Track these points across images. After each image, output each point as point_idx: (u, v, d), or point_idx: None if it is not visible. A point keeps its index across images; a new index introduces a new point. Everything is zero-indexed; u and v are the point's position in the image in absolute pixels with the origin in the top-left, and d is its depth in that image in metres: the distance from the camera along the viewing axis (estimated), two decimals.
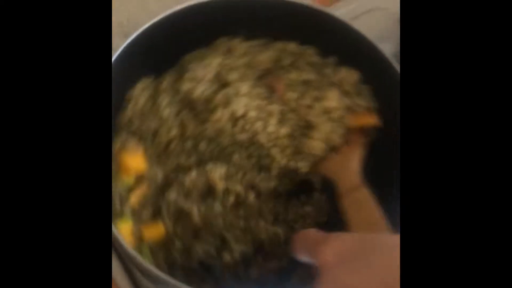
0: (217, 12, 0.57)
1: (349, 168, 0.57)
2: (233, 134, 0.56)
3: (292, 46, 0.60)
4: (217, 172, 0.54)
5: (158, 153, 0.56)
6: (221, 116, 0.55)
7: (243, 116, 0.56)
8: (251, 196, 0.56)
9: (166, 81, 0.58)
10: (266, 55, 0.60)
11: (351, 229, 0.51)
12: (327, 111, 0.58)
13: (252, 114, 0.56)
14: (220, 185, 0.54)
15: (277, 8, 0.57)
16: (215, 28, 0.59)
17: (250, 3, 0.56)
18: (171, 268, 0.54)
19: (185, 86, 0.56)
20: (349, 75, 0.59)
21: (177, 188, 0.54)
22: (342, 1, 0.71)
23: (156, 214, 0.54)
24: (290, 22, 0.59)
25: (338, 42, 0.58)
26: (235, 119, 0.56)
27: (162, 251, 0.54)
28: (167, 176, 0.55)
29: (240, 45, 0.60)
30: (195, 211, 0.53)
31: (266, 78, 0.59)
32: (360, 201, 0.53)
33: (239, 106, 0.55)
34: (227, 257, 0.55)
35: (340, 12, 0.66)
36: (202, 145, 0.56)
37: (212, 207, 0.55)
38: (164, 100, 0.56)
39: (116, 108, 0.56)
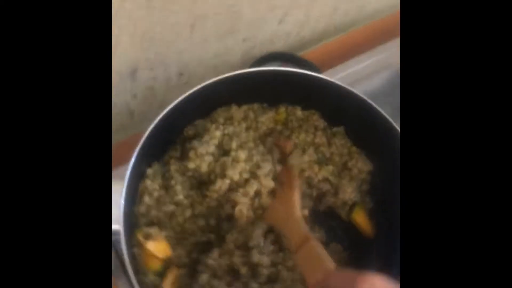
0: (217, 89, 0.60)
1: (293, 217, 0.57)
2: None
3: (298, 111, 0.65)
4: (237, 257, 0.56)
5: (176, 236, 0.57)
6: (221, 185, 0.57)
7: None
8: (283, 269, 0.57)
9: (173, 165, 0.60)
10: (267, 116, 0.64)
11: (307, 281, 0.52)
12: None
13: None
14: (243, 270, 0.56)
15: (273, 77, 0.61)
16: (212, 102, 0.63)
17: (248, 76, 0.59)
18: None
19: (191, 164, 0.59)
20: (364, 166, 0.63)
21: (205, 269, 0.55)
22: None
23: None
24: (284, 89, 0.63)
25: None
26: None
27: None
28: (191, 255, 0.57)
29: (238, 111, 0.64)
30: None
31: (271, 138, 0.64)
32: (311, 256, 0.53)
33: (235, 172, 0.58)
34: None
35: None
36: (212, 221, 0.58)
37: (247, 285, 0.56)
38: (177, 184, 0.58)
39: (131, 201, 0.56)
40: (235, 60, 0.79)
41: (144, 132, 0.56)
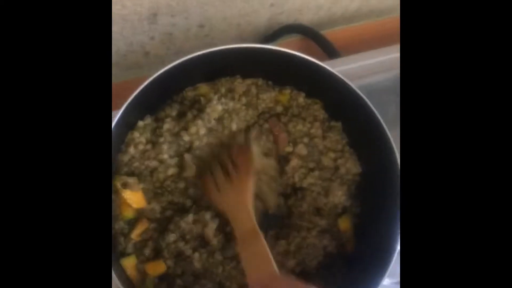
0: (227, 57, 0.58)
1: (243, 206, 0.55)
2: None
3: (301, 97, 0.63)
4: (210, 228, 0.57)
5: (154, 190, 0.58)
6: None
7: None
8: None
9: (167, 124, 0.59)
10: (269, 94, 0.63)
11: (248, 278, 0.50)
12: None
13: None
14: (214, 241, 0.57)
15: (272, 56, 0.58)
16: (218, 69, 0.62)
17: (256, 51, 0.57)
18: None
19: (186, 138, 0.59)
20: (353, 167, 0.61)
21: (175, 230, 0.57)
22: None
23: (158, 253, 0.57)
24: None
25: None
26: None
27: (165, 286, 0.56)
28: (164, 212, 0.58)
29: (241, 84, 0.63)
30: (196, 256, 0.56)
31: (267, 124, 0.63)
32: (256, 254, 0.51)
33: None
34: None
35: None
36: (191, 191, 0.59)
37: (213, 255, 0.57)
38: (165, 143, 0.58)
39: (116, 149, 0.57)
40: (260, 23, 0.77)
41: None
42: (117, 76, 0.79)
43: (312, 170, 0.61)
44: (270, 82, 0.64)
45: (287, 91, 0.64)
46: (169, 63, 0.79)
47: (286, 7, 0.75)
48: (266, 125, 0.62)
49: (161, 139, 0.58)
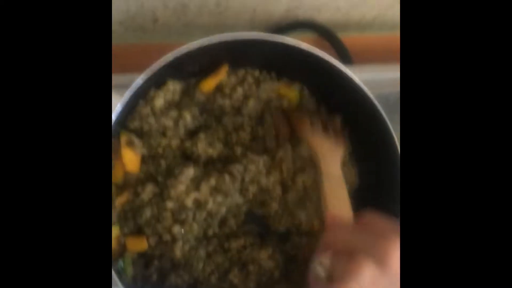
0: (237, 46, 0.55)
1: (336, 155, 0.58)
2: None
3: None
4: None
5: (151, 155, 0.56)
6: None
7: None
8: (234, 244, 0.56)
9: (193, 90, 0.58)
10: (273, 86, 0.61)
11: (325, 204, 0.53)
12: None
13: None
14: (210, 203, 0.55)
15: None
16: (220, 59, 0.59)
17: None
18: (146, 282, 0.54)
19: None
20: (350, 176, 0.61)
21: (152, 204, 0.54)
22: None
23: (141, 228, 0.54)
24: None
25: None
26: None
27: (141, 264, 0.55)
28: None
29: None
30: (179, 245, 0.54)
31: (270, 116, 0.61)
32: (339, 199, 0.54)
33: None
34: None
35: None
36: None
37: (196, 249, 0.55)
38: (188, 114, 0.56)
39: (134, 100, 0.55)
40: (276, 12, 0.76)
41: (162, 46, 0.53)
42: (121, 37, 0.76)
43: None
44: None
45: (296, 86, 0.62)
46: (176, 34, 0.77)
47: (306, 2, 0.74)
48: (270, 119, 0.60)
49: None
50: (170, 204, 0.53)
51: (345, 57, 0.70)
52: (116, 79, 0.57)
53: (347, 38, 0.74)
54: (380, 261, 0.37)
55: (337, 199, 0.54)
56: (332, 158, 0.57)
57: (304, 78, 0.61)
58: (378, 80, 0.63)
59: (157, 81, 0.56)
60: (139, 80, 0.50)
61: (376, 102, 0.54)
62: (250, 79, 0.60)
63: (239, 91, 0.59)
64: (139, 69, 0.51)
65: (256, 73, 0.61)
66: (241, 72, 0.60)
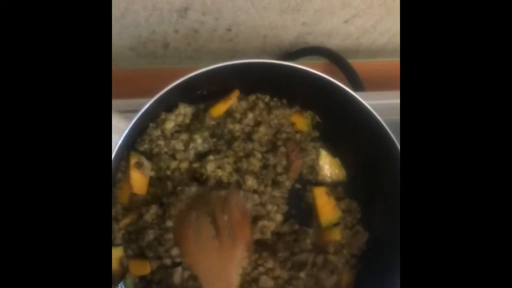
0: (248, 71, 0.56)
1: (225, 280, 0.46)
2: None
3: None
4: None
5: (158, 177, 0.56)
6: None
7: None
8: None
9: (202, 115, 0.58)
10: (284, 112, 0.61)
11: None
12: None
13: None
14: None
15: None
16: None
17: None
18: None
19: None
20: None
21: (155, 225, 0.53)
22: None
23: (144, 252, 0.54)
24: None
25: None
26: None
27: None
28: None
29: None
30: (178, 271, 0.52)
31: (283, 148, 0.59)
32: None
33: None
34: None
35: None
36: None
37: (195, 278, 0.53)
38: (199, 138, 0.56)
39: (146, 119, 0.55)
40: (286, 39, 0.76)
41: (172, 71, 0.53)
42: (132, 62, 0.76)
43: None
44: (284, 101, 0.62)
45: (309, 113, 0.61)
46: (186, 59, 0.78)
47: (317, 28, 0.74)
48: (282, 149, 0.59)
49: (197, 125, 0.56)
50: (170, 223, 0.52)
51: (356, 83, 0.69)
52: (127, 103, 0.57)
53: (356, 64, 0.74)
54: None
55: None
56: (218, 284, 0.45)
57: (315, 106, 0.61)
58: (391, 107, 0.63)
59: (167, 105, 0.56)
60: (149, 103, 0.50)
61: (387, 128, 0.53)
62: (261, 105, 0.60)
63: (250, 116, 0.59)
64: (150, 93, 0.51)
65: (267, 98, 0.61)
66: (251, 98, 0.60)
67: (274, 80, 0.57)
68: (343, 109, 0.55)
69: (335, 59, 0.73)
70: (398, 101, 0.65)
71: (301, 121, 0.61)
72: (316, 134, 0.62)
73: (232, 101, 0.58)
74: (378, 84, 0.72)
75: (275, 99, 0.61)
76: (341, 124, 0.59)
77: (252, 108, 0.59)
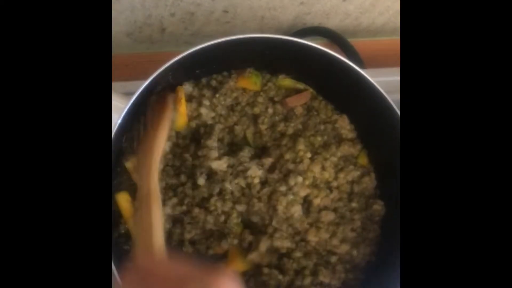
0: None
1: (145, 164, 0.47)
2: None
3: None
4: None
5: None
6: None
7: None
8: None
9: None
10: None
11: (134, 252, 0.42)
12: None
13: None
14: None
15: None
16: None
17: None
18: None
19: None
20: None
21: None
22: None
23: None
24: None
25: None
26: None
27: None
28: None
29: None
30: (209, 218, 0.52)
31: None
32: (143, 227, 0.42)
33: None
34: None
35: None
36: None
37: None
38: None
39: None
40: (284, 19, 0.75)
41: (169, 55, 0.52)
42: (129, 47, 0.75)
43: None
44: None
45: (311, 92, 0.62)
46: (184, 44, 0.77)
47: (315, 8, 0.73)
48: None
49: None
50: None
51: (357, 62, 0.68)
52: (125, 86, 0.58)
53: (356, 43, 0.73)
54: None
55: (143, 231, 0.41)
56: (141, 171, 0.47)
57: (314, 79, 0.61)
58: (392, 84, 0.62)
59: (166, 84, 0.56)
60: (148, 81, 0.50)
61: (394, 105, 0.54)
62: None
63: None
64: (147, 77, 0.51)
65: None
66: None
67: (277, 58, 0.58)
68: (344, 82, 0.57)
69: (335, 38, 0.72)
70: (398, 77, 0.66)
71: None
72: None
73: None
74: (378, 62, 0.71)
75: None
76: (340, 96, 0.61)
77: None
